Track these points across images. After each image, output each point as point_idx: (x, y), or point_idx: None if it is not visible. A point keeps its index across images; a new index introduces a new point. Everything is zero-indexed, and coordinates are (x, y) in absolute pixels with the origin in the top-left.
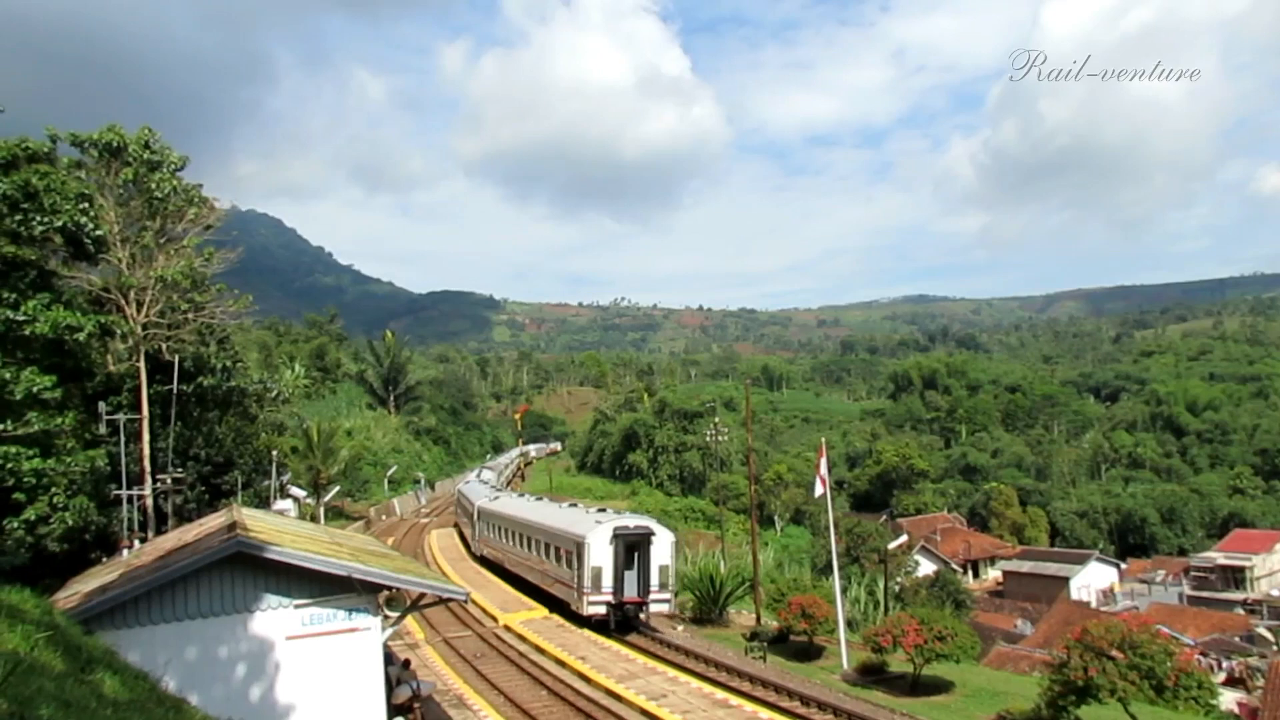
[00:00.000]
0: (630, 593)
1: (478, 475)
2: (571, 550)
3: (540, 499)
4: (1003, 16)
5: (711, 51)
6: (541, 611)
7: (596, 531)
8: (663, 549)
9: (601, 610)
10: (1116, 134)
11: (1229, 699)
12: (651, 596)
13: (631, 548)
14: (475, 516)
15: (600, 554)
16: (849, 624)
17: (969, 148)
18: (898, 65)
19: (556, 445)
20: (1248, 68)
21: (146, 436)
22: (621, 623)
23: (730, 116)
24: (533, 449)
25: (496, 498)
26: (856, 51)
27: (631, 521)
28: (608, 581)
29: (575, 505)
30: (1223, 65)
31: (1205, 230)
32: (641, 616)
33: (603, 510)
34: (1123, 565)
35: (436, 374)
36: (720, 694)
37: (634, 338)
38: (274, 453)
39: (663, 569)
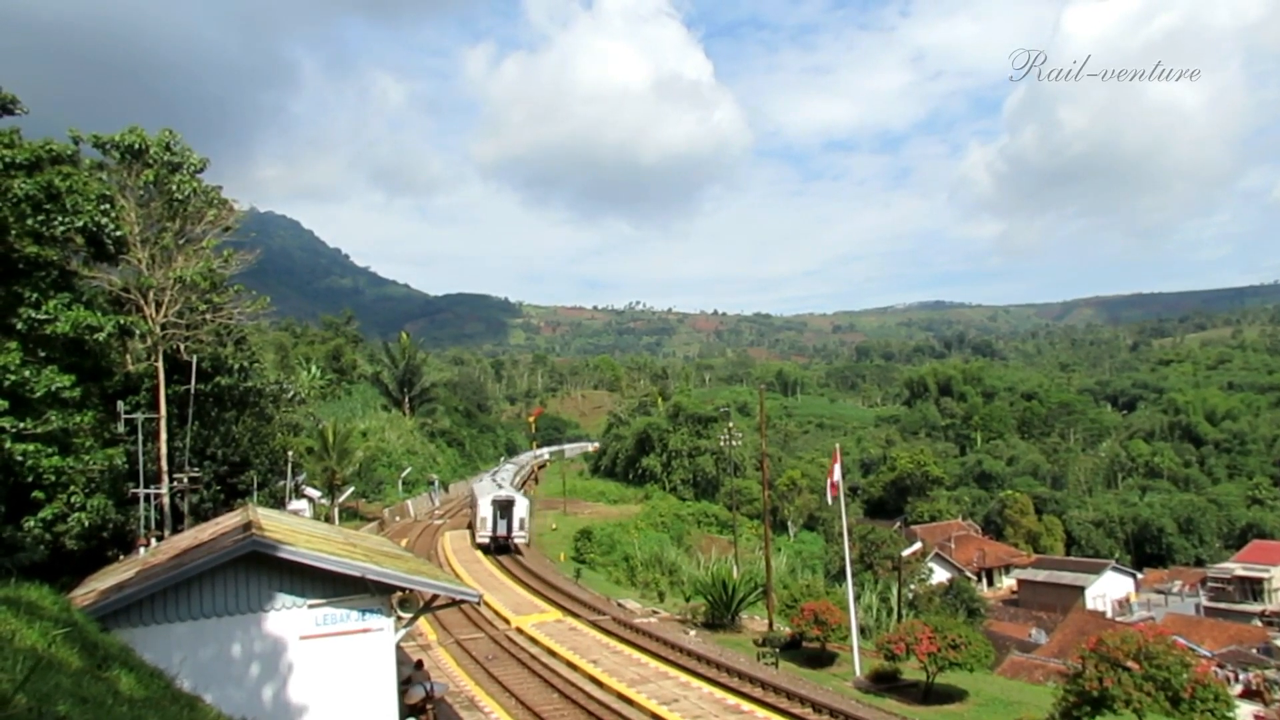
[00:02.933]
0: (501, 532)
1: (493, 477)
2: (474, 507)
3: (488, 482)
4: (1023, 22)
5: (730, 56)
6: (554, 614)
7: (484, 498)
8: (521, 509)
9: (486, 540)
10: (1135, 141)
11: (1246, 711)
12: (514, 535)
13: (503, 507)
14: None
15: (485, 510)
16: (862, 631)
17: (987, 154)
18: (917, 70)
19: (598, 444)
20: (1269, 75)
21: (164, 436)
22: (497, 549)
23: (750, 121)
24: (546, 452)
25: (478, 482)
26: (875, 56)
27: (504, 494)
28: (489, 525)
29: (499, 486)
30: (1244, 73)
31: (1225, 238)
32: (511, 546)
33: (499, 487)
34: (1139, 575)
35: (451, 376)
36: (732, 699)
37: (648, 342)
38: (289, 453)
39: (521, 520)
